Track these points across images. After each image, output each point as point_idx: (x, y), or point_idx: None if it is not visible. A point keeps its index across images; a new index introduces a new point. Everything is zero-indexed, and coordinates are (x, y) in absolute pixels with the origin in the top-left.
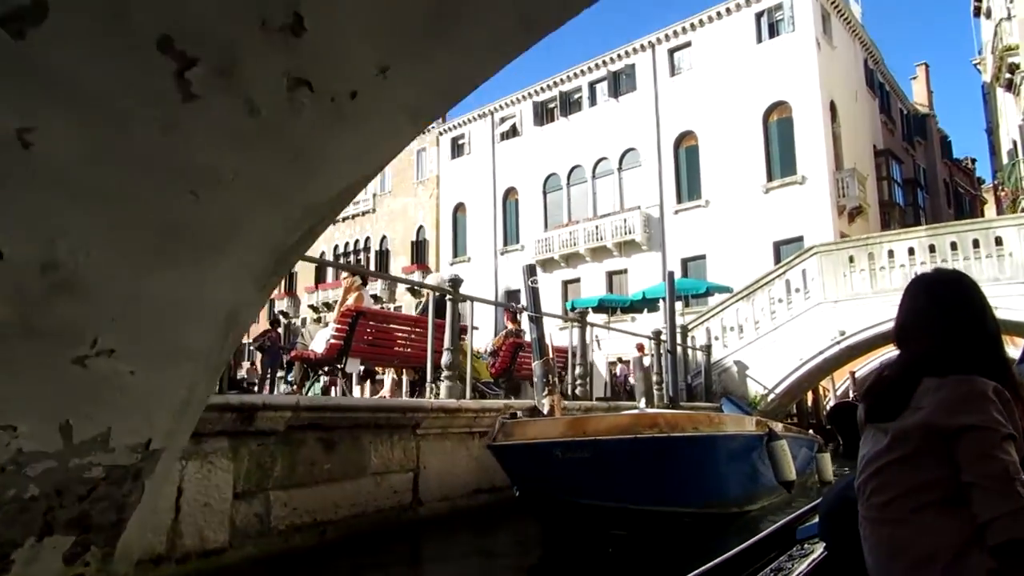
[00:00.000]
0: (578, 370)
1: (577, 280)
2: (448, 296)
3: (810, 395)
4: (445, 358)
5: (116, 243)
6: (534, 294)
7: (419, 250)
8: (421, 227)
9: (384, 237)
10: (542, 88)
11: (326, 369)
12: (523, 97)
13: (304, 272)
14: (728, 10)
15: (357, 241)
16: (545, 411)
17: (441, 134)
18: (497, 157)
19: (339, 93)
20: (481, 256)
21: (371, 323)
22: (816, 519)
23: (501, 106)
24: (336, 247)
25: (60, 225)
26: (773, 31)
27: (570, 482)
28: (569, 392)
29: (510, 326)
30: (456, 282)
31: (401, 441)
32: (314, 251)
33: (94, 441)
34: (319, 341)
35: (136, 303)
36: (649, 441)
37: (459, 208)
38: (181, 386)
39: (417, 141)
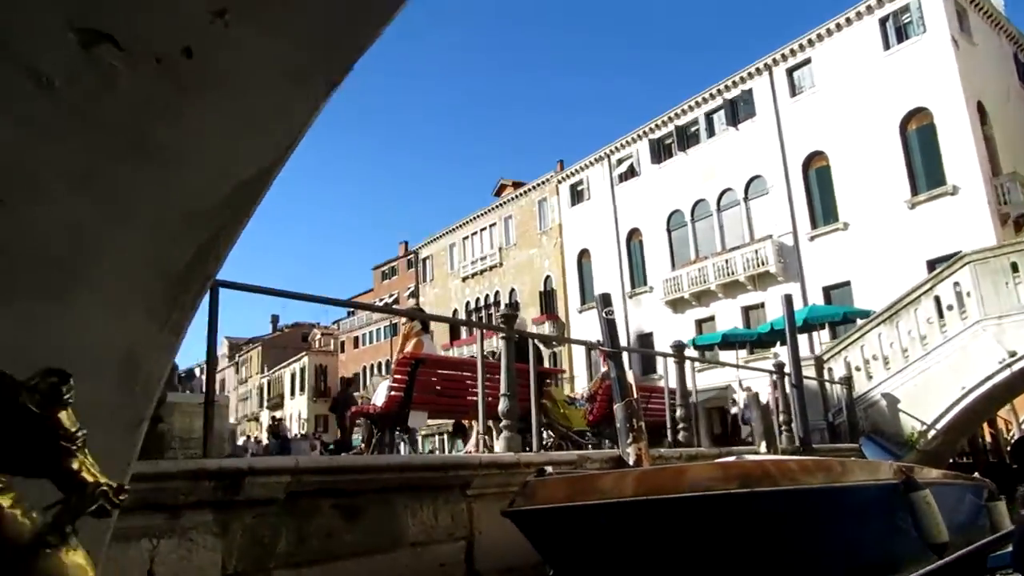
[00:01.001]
0: (679, 412)
1: (711, 318)
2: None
3: (987, 429)
4: (502, 405)
5: None
6: (610, 327)
7: (548, 300)
8: (548, 277)
9: (512, 290)
10: (657, 125)
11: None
12: (639, 136)
13: (439, 331)
14: (848, 20)
15: (487, 296)
16: (631, 461)
17: (560, 182)
18: (617, 199)
19: (164, 50)
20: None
21: (437, 371)
22: (1009, 547)
23: (617, 147)
24: (468, 304)
25: None
26: (901, 35)
27: (621, 558)
28: (670, 438)
29: (606, 368)
30: (509, 317)
31: (448, 504)
32: (446, 309)
33: None
34: (380, 393)
35: None
36: (728, 499)
37: (583, 255)
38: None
39: (537, 191)
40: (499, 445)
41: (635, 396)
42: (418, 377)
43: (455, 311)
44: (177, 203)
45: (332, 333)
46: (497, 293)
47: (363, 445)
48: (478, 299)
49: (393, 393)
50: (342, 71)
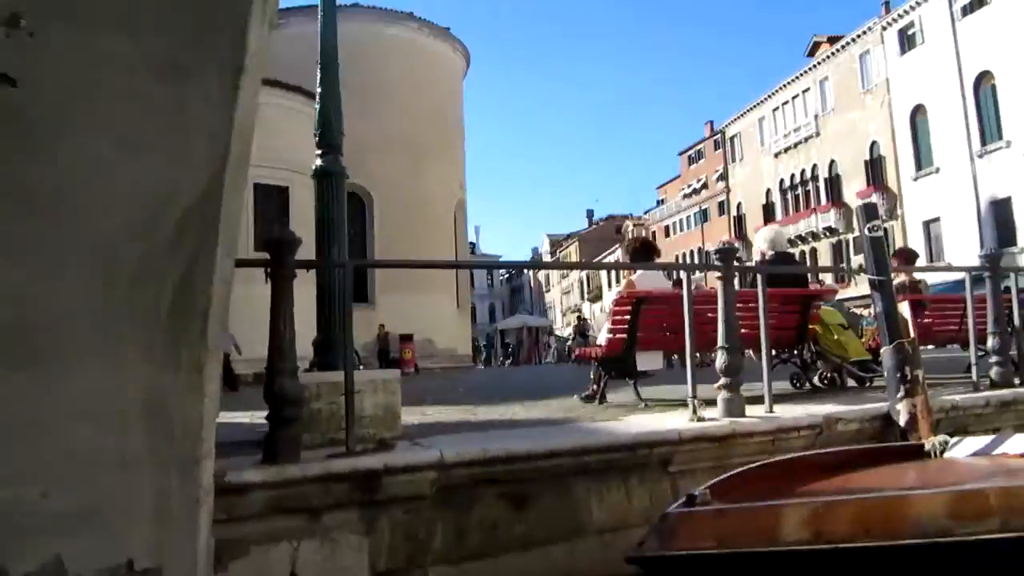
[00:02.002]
0: (991, 342)
1: None
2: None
3: None
4: (720, 360)
5: None
6: (874, 247)
7: (874, 169)
8: (874, 143)
9: (832, 162)
10: None
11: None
12: None
13: (753, 213)
14: None
15: (803, 172)
16: (902, 421)
17: (885, 28)
18: (961, 38)
19: None
20: (953, 164)
21: (666, 306)
22: None
23: None
24: (782, 181)
25: None
26: None
27: None
28: (974, 375)
29: (902, 277)
30: (727, 253)
31: (645, 484)
32: (759, 189)
33: None
34: (604, 332)
35: None
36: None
37: (918, 111)
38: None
39: (857, 44)
40: (716, 409)
41: (911, 336)
42: (642, 316)
43: (768, 190)
44: (115, 248)
45: (643, 223)
46: (815, 167)
47: (595, 389)
48: (793, 175)
49: (611, 336)
50: (237, 50)
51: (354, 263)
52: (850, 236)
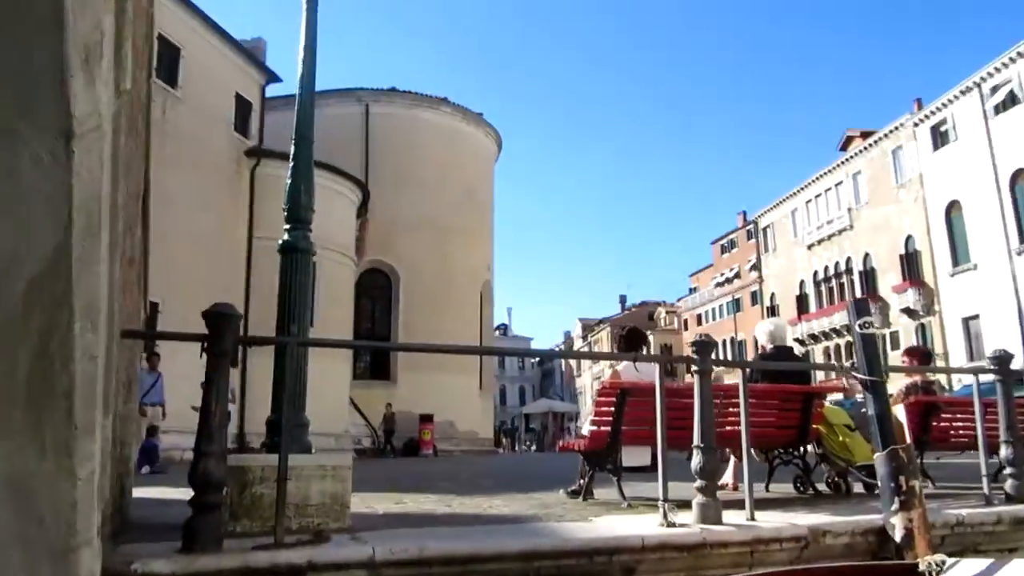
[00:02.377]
0: (1004, 451)
1: None
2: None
3: None
4: (694, 461)
5: None
6: (865, 344)
7: (910, 264)
8: (909, 237)
9: (867, 255)
10: None
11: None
12: (1018, 55)
13: (786, 305)
14: None
15: (837, 264)
16: (897, 536)
17: (917, 124)
18: (994, 136)
19: None
20: (991, 260)
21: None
22: None
23: (989, 73)
24: (815, 273)
25: None
26: None
27: None
28: (986, 487)
29: (915, 377)
30: (703, 346)
31: None
32: (791, 280)
33: None
34: (587, 424)
35: None
36: None
37: (952, 207)
38: None
39: (889, 139)
40: (690, 514)
41: (907, 442)
42: (627, 408)
43: (801, 282)
44: None
45: (676, 311)
46: (849, 260)
47: (581, 482)
48: (827, 267)
49: (594, 428)
50: (62, 114)
51: (298, 341)
52: (886, 331)
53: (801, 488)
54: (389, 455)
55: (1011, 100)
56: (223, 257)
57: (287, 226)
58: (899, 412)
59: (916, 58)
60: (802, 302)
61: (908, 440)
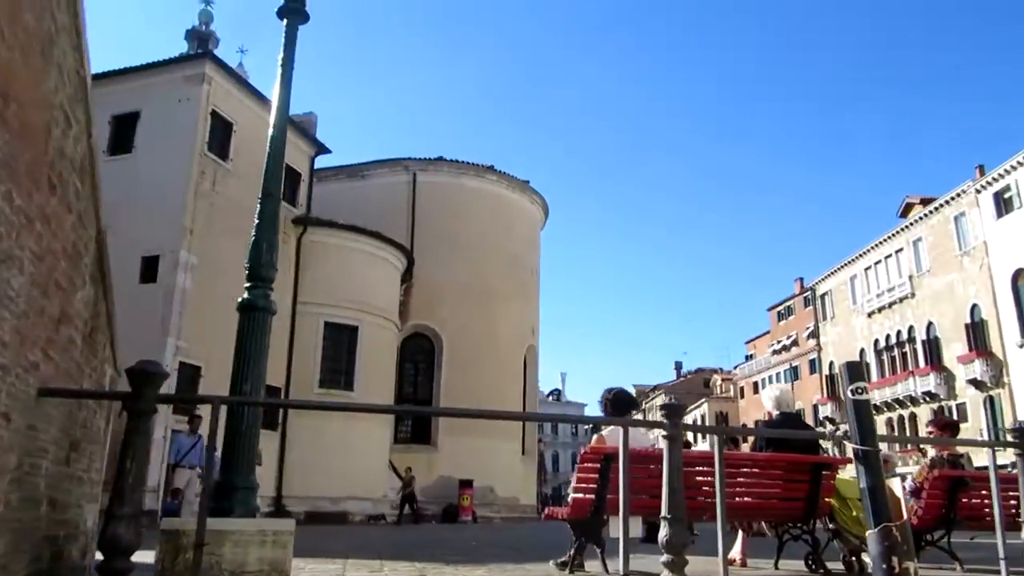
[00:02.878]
0: None
1: None
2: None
3: None
4: (661, 533)
5: None
6: (857, 410)
7: (976, 333)
8: (975, 306)
9: (930, 324)
10: None
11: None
12: None
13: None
14: None
15: (899, 332)
16: None
17: (980, 191)
18: None
19: None
20: None
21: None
22: None
23: None
24: (876, 342)
25: None
26: None
27: None
28: (1003, 571)
29: (937, 451)
30: (673, 410)
31: None
32: (851, 348)
33: None
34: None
35: None
36: None
37: (1020, 275)
38: None
39: (951, 206)
40: None
41: (903, 518)
42: (611, 475)
43: (862, 350)
44: None
45: (732, 378)
46: (911, 328)
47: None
48: (888, 336)
49: (576, 496)
50: None
51: (222, 399)
52: (952, 403)
53: (812, 566)
54: (407, 520)
55: None
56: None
57: (247, 284)
58: (894, 486)
59: (977, 125)
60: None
61: (904, 516)
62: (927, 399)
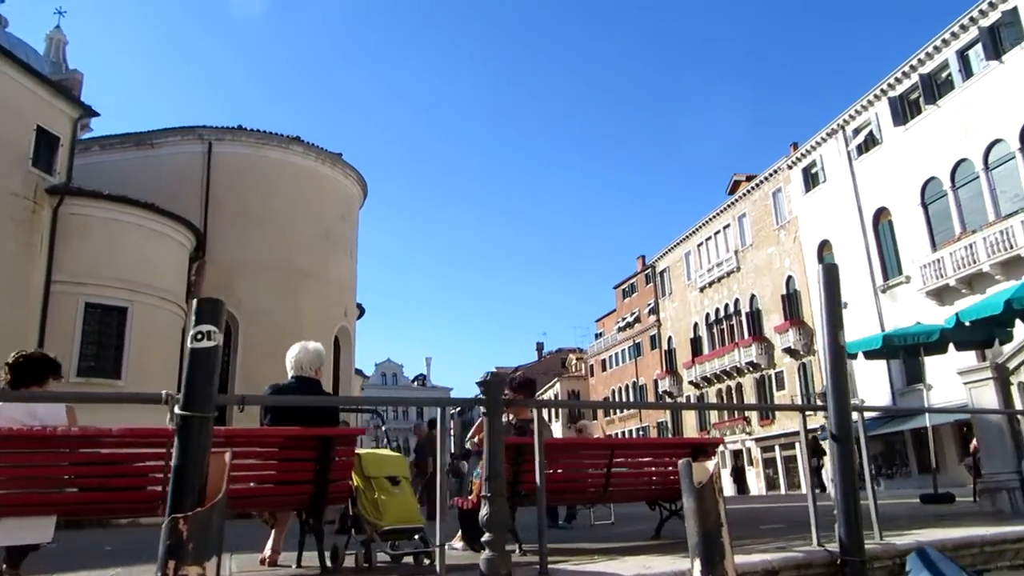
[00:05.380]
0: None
1: None
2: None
3: None
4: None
5: None
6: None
7: (791, 304)
8: (790, 277)
9: (753, 296)
10: (896, 79)
11: None
12: (875, 97)
13: (682, 346)
14: None
15: (727, 305)
16: None
17: (791, 166)
18: (858, 176)
19: None
20: (860, 299)
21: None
22: None
23: (851, 116)
24: (707, 315)
25: None
26: None
27: None
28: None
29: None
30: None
31: None
32: (687, 323)
33: None
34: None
35: None
36: None
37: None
38: None
39: (770, 182)
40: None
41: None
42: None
43: (695, 324)
44: None
45: (584, 357)
46: (737, 301)
47: None
48: (717, 310)
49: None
50: None
51: None
52: (772, 372)
53: (330, 564)
54: None
55: (872, 141)
56: (10, 302)
57: None
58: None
59: (794, 99)
60: (696, 344)
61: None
62: (751, 369)
